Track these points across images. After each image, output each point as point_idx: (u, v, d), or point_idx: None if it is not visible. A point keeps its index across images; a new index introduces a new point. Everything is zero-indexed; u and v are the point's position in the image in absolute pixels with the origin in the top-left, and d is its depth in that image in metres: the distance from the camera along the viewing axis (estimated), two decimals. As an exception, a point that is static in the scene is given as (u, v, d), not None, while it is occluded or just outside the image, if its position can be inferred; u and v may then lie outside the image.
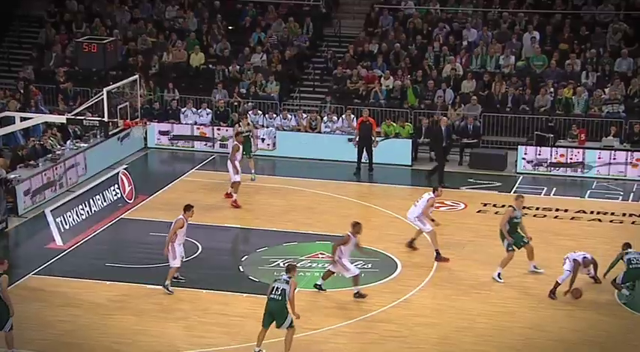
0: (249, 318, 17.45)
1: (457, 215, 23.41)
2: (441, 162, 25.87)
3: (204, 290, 18.66)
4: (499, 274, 19.23)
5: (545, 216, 23.26)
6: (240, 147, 24.02)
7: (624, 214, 23.30)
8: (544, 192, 25.27)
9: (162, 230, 21.60)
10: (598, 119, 27.93)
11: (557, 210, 23.62)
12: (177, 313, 17.86)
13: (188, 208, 18.82)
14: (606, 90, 28.77)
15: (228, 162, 23.92)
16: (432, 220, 20.24)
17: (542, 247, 20.50)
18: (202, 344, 16.66)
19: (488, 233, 21.93)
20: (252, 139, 26.16)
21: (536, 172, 26.70)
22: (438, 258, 20.09)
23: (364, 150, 26.51)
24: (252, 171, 25.70)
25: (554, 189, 25.48)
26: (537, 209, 23.57)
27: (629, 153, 26.29)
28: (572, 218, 23.11)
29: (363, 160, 26.58)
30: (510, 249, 19.19)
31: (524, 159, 26.80)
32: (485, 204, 24.01)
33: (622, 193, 25.06)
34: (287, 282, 15.78)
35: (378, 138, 26.73)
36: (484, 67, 30.55)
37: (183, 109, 29.65)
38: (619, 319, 17.72)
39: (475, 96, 28.99)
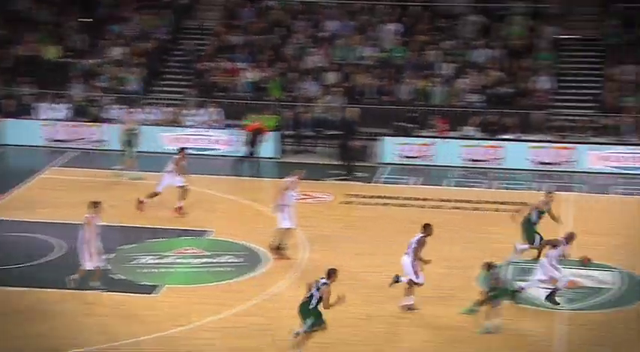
0: (113, 317, 16.96)
1: (324, 206, 23.46)
2: (346, 154, 25.91)
3: (67, 290, 17.99)
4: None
5: (409, 205, 23.58)
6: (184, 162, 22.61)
7: (487, 202, 23.86)
8: (408, 181, 25.66)
9: (18, 229, 20.81)
10: (458, 109, 28.58)
11: (421, 199, 23.98)
12: (39, 314, 17.15)
13: (93, 205, 17.89)
14: (464, 80, 29.48)
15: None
16: (285, 205, 19.62)
17: (400, 238, 20.63)
18: (68, 344, 16.04)
19: (355, 224, 22.08)
20: (137, 136, 25.52)
21: (399, 163, 27.10)
22: (278, 253, 19.80)
23: (252, 150, 26.41)
24: (125, 170, 25.06)
25: (418, 178, 25.90)
26: (402, 199, 23.90)
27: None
28: (436, 207, 23.48)
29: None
30: (539, 244, 18.88)
31: (390, 149, 27.19)
32: (350, 195, 24.15)
33: (485, 181, 25.72)
34: (318, 289, 15.21)
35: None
36: (346, 59, 30.75)
37: (38, 104, 28.63)
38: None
39: (338, 88, 29.14)
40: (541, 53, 30.35)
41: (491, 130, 27.81)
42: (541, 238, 18.84)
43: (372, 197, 24.10)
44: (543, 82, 29.45)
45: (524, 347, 15.83)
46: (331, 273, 15.41)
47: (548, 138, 27.40)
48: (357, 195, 24.17)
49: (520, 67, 29.90)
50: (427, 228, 17.44)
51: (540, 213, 19.29)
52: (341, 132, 26.67)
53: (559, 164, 26.75)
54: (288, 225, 19.73)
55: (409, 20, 31.62)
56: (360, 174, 25.93)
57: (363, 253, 19.93)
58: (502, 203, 23.51)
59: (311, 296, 15.30)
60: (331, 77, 29.86)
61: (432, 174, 26.58)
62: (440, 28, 31.44)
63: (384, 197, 24.10)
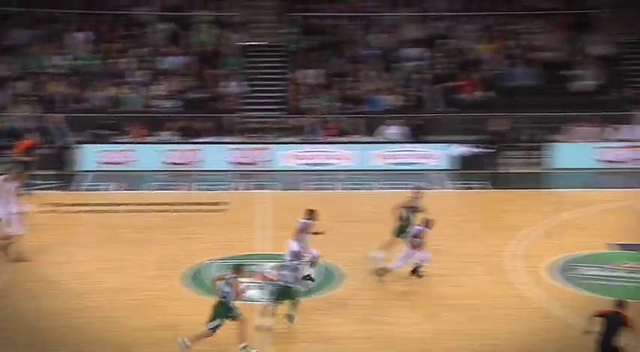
0: None
1: (25, 217, 22.91)
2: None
3: None
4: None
5: (112, 211, 23.75)
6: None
7: (188, 203, 24.55)
8: (110, 188, 25.83)
9: None
10: (154, 115, 29.17)
11: (124, 204, 24.25)
12: None
13: None
14: (158, 86, 30.12)
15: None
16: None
17: (106, 245, 20.90)
18: None
19: (58, 233, 21.76)
20: None
21: (100, 169, 27.21)
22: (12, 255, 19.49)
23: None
24: None
25: (120, 184, 26.16)
26: (104, 205, 24.04)
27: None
28: (140, 211, 23.80)
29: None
30: (401, 236, 19.21)
31: (89, 156, 27.20)
32: (52, 205, 23.84)
33: (186, 184, 26.52)
34: (229, 284, 15.43)
35: None
36: (36, 67, 30.22)
37: None
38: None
39: (30, 97, 28.62)
40: (229, 59, 31.69)
41: (189, 134, 28.69)
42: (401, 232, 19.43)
43: (74, 205, 23.96)
44: (233, 87, 30.80)
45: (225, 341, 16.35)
46: (238, 269, 15.76)
47: (243, 140, 28.78)
48: (58, 204, 23.89)
49: (210, 73, 31.05)
50: (311, 213, 18.19)
51: (411, 210, 19.68)
52: (45, 141, 26.35)
53: (255, 164, 28.17)
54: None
55: (99, 28, 31.67)
56: (59, 183, 25.72)
57: (66, 261, 19.73)
58: (202, 204, 24.36)
59: (225, 294, 15.50)
60: (21, 86, 29.22)
61: (133, 179, 26.92)
62: (130, 35, 31.81)
63: (86, 204, 24.06)
